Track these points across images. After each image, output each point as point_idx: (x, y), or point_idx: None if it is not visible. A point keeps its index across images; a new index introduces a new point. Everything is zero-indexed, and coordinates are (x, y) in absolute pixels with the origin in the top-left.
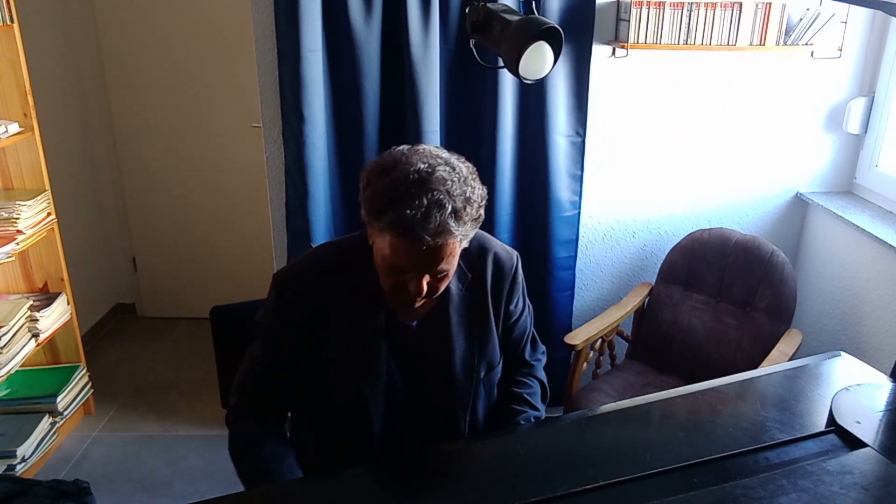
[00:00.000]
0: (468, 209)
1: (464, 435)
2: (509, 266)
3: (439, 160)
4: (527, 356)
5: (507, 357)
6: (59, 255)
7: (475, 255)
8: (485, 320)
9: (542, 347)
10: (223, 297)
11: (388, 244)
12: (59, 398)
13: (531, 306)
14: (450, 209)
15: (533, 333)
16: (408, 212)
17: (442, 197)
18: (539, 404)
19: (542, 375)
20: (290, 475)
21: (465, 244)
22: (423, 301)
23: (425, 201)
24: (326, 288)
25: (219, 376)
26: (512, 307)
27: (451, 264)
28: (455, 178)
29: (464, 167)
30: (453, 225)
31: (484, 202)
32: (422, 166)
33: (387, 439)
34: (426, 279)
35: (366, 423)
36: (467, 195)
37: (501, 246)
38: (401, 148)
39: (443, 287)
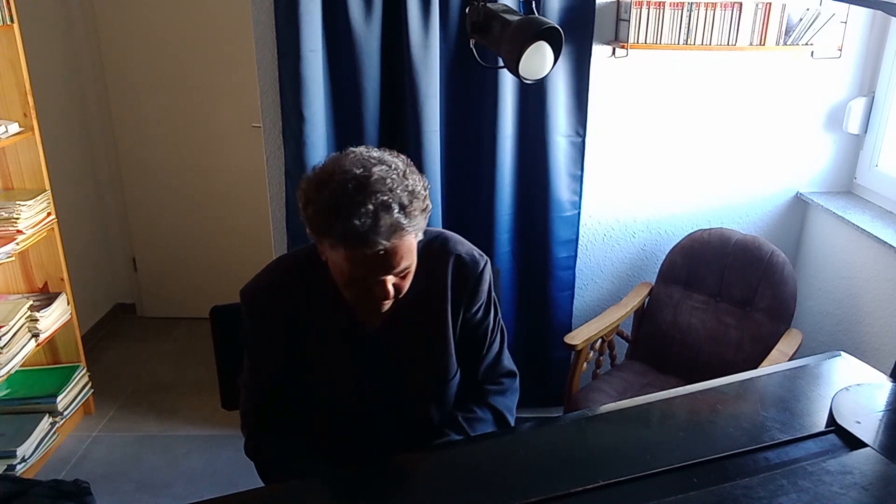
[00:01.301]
0: (415, 202)
1: (421, 439)
2: (473, 269)
3: (372, 160)
4: (480, 376)
5: (463, 370)
6: (59, 255)
7: (436, 256)
8: (441, 327)
9: (510, 370)
10: (223, 297)
11: (344, 257)
12: (59, 398)
13: (503, 325)
14: (397, 207)
15: (501, 355)
16: (356, 222)
17: (385, 198)
18: (475, 431)
19: (500, 403)
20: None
21: (420, 236)
22: (389, 303)
23: (371, 207)
24: (289, 298)
25: (219, 376)
26: (470, 314)
27: (411, 259)
28: (394, 175)
29: (399, 161)
30: (404, 221)
31: (428, 191)
32: (357, 171)
33: (367, 443)
34: (391, 280)
35: (342, 429)
36: (410, 188)
37: (469, 249)
38: (332, 157)
39: (408, 282)
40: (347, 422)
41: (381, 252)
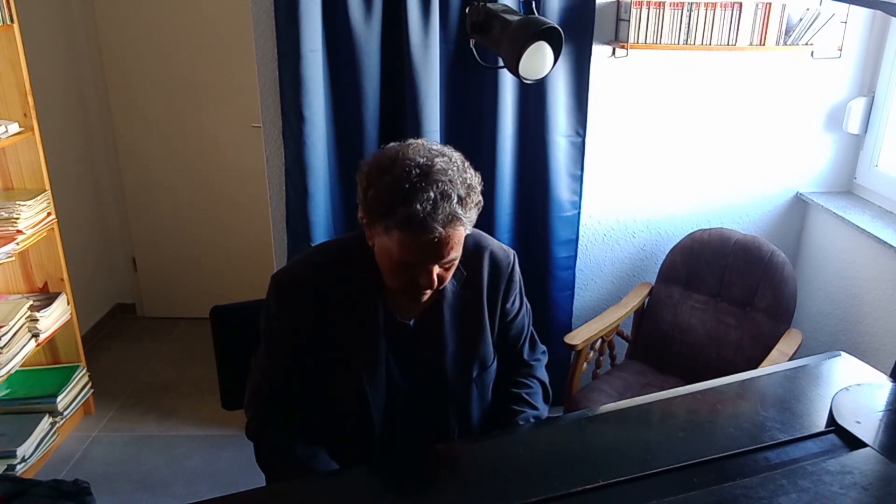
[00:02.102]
0: (471, 195)
1: (454, 435)
2: (506, 264)
3: (433, 152)
4: (525, 356)
5: (506, 357)
6: (59, 255)
7: (471, 253)
8: (479, 319)
9: (543, 347)
10: (223, 297)
11: (398, 241)
12: (59, 398)
13: (529, 306)
14: (455, 198)
15: (532, 333)
16: (417, 206)
17: (446, 187)
18: (540, 404)
19: (543, 375)
20: (327, 469)
21: (468, 230)
22: (430, 293)
23: (432, 194)
24: (325, 287)
25: (219, 376)
26: (508, 305)
27: (459, 251)
28: (454, 168)
29: (456, 156)
30: (461, 212)
31: (481, 186)
32: (420, 160)
33: (386, 437)
34: (436, 270)
35: (366, 421)
36: (468, 182)
37: (498, 244)
38: (392, 145)
39: (451, 274)
40: (363, 414)
41: (435, 240)
